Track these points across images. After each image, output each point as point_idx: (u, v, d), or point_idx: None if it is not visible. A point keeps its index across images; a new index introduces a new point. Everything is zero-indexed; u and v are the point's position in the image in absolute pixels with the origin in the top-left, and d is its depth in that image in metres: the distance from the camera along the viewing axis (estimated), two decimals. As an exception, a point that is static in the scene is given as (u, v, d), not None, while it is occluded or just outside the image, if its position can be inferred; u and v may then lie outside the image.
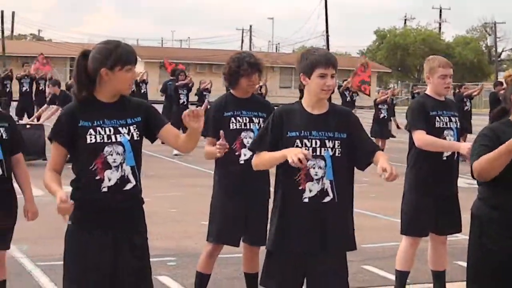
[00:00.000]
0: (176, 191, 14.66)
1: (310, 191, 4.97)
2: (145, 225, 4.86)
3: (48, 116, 18.89)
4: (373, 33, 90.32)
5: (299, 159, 4.65)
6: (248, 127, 6.49)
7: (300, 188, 4.97)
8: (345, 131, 5.04)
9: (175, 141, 4.75)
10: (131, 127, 4.65)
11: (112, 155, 4.57)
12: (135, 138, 4.67)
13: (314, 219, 4.99)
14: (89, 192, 4.57)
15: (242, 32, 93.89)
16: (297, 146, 4.92)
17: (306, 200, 4.97)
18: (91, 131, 4.54)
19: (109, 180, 4.57)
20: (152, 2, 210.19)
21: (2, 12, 62.51)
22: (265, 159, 5.01)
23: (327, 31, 63.49)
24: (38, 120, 20.00)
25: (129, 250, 4.66)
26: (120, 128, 4.62)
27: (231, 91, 6.65)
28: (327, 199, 4.99)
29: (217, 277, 7.97)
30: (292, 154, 4.70)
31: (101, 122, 4.58)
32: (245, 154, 6.40)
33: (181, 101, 24.79)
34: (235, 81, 6.51)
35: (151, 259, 8.61)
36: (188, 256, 9.00)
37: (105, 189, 4.57)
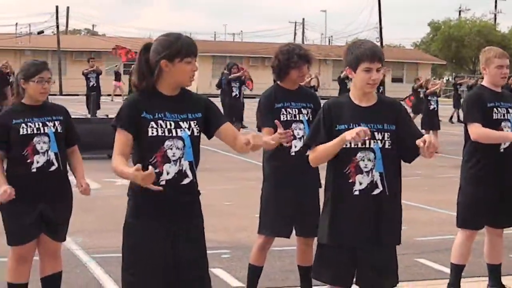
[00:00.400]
0: (230, 184, 14.73)
1: (360, 183, 4.99)
2: (202, 218, 4.88)
3: None
4: (427, 25, 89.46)
5: (357, 134, 4.69)
6: (298, 118, 6.52)
7: (350, 181, 4.99)
8: (394, 122, 5.06)
9: (233, 142, 4.77)
10: (192, 123, 4.69)
11: (172, 149, 4.60)
12: (195, 133, 4.71)
13: (365, 212, 5.01)
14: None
15: (295, 25, 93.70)
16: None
17: (357, 192, 4.99)
18: (153, 123, 4.59)
19: (168, 173, 4.62)
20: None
21: (57, 7, 63.25)
22: (321, 151, 5.01)
23: (380, 23, 63.09)
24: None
25: (186, 242, 4.70)
26: (181, 123, 4.65)
27: (279, 83, 6.67)
28: (376, 191, 5.01)
29: (271, 270, 8.02)
30: (350, 132, 4.75)
31: (163, 115, 4.62)
32: (295, 146, 6.44)
33: (233, 94, 25.62)
34: (284, 73, 6.54)
35: (205, 252, 8.89)
36: (242, 249, 9.05)
37: (163, 182, 4.60)
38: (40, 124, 5.94)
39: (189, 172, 4.69)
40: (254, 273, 6.85)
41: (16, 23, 67.96)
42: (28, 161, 5.95)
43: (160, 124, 4.60)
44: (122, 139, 4.62)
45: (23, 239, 6.04)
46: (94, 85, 29.62)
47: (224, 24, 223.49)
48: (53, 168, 5.99)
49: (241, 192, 13.79)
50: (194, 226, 4.80)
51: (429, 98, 22.49)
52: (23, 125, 5.96)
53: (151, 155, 4.59)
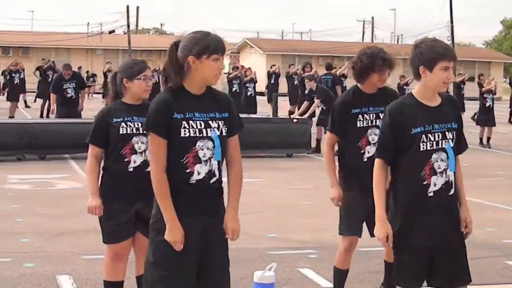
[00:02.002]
0: (308, 183, 14.68)
1: (435, 185, 4.96)
2: (224, 210, 4.85)
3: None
4: (499, 23, 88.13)
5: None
6: (374, 123, 6.48)
7: (425, 183, 4.95)
8: (457, 120, 5.08)
9: (227, 157, 4.80)
10: (220, 122, 4.70)
11: (203, 149, 4.62)
12: (223, 133, 4.71)
13: (440, 213, 4.98)
14: (178, 184, 4.62)
15: (363, 23, 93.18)
16: (422, 142, 4.91)
17: (431, 194, 4.96)
18: (184, 123, 4.59)
19: (199, 174, 4.64)
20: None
21: (128, 6, 63.90)
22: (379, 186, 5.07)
23: (451, 22, 62.32)
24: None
25: (214, 236, 4.73)
26: (210, 122, 4.66)
27: (358, 85, 6.63)
28: (451, 191, 5.00)
29: (360, 270, 8.00)
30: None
31: (192, 115, 4.62)
32: (369, 151, 6.42)
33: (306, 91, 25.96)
34: (366, 76, 6.50)
35: (290, 251, 8.92)
36: (328, 249, 9.01)
37: (193, 182, 4.63)
38: (139, 124, 5.99)
39: (217, 172, 4.70)
40: (340, 276, 6.81)
41: (88, 23, 68.92)
42: (126, 160, 6.01)
43: (191, 125, 4.60)
44: (156, 147, 4.61)
45: (119, 237, 6.11)
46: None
47: (293, 23, 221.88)
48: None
49: (320, 191, 13.73)
50: (219, 222, 4.78)
51: (485, 95, 23.32)
52: (123, 124, 6.03)
53: (182, 155, 4.60)
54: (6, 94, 30.21)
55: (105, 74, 35.20)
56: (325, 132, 21.50)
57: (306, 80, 20.74)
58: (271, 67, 33.20)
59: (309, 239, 9.74)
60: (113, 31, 61.75)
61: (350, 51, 66.58)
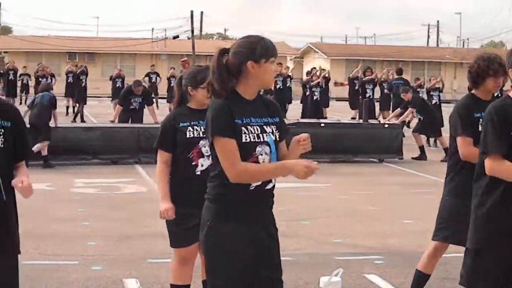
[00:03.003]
0: (372, 189, 14.60)
1: None
2: (274, 219, 4.80)
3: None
4: None
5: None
6: None
7: None
8: None
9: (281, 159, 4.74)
10: (273, 127, 4.67)
11: (262, 155, 4.57)
12: (277, 138, 4.67)
13: None
14: (237, 190, 4.56)
15: (428, 27, 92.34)
16: None
17: None
18: (244, 129, 4.54)
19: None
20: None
21: (192, 12, 64.38)
22: (507, 171, 4.85)
23: (519, 25, 61.34)
24: None
25: (268, 243, 4.67)
26: (265, 127, 4.62)
27: (473, 92, 6.51)
28: None
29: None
30: None
31: (249, 120, 4.58)
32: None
33: (367, 95, 28.03)
34: (481, 80, 6.38)
35: (356, 257, 8.87)
36: (395, 255, 8.96)
37: (252, 188, 4.58)
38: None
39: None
40: (420, 280, 6.71)
41: (152, 28, 69.75)
42: (193, 163, 6.03)
43: (250, 130, 4.55)
44: (230, 146, 4.49)
45: (186, 241, 6.12)
46: None
47: (357, 27, 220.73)
48: None
49: (385, 197, 13.68)
50: (274, 228, 4.75)
51: None
52: (190, 128, 6.05)
53: (244, 160, 4.52)
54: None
55: (168, 79, 35.52)
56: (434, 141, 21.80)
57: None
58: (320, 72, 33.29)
59: (375, 244, 9.65)
60: (177, 36, 62.18)
61: (415, 56, 66.28)
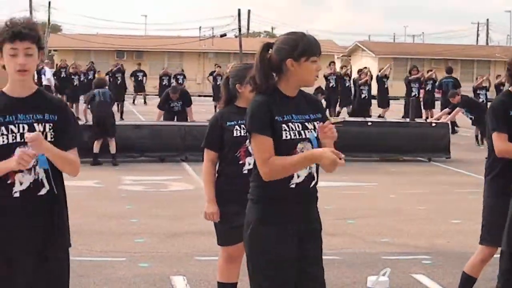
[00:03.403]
0: (420, 188, 14.50)
1: None
2: (319, 217, 4.77)
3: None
4: None
5: None
6: None
7: None
8: None
9: None
10: (315, 123, 4.62)
11: (303, 151, 4.53)
12: (316, 135, 4.62)
13: None
14: (277, 189, 4.55)
15: (478, 26, 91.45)
16: None
17: None
18: (285, 126, 4.51)
19: (298, 177, 4.56)
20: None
21: (239, 10, 64.42)
22: None
23: None
24: None
25: (311, 242, 4.66)
26: (307, 124, 4.59)
27: (510, 89, 6.44)
28: None
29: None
30: None
31: (290, 117, 4.55)
32: None
33: (412, 94, 28.33)
34: None
35: (403, 257, 8.82)
36: (443, 255, 8.89)
37: (292, 186, 4.55)
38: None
39: (315, 174, 4.62)
40: (466, 284, 6.64)
41: (200, 27, 69.49)
42: (240, 162, 6.04)
43: (291, 127, 4.52)
44: (265, 143, 4.48)
45: (233, 239, 6.12)
46: None
47: (405, 26, 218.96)
48: None
49: (432, 196, 13.57)
50: (318, 225, 4.72)
51: None
52: (237, 127, 6.06)
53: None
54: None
55: (214, 78, 35.65)
56: (481, 140, 21.66)
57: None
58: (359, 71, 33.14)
59: (423, 244, 9.59)
60: (225, 34, 62.28)
61: (464, 54, 65.55)
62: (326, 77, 29.87)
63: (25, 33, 4.23)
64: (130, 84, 38.45)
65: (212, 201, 6.09)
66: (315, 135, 4.58)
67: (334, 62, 33.06)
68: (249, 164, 6.00)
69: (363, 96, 29.30)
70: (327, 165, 4.35)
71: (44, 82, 31.22)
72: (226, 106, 6.27)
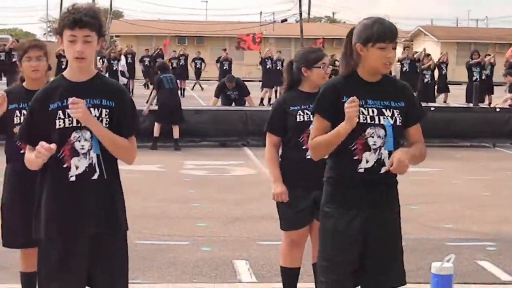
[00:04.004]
0: (484, 174, 14.33)
1: None
2: (398, 205, 4.71)
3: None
4: None
5: None
6: None
7: None
8: None
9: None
10: (395, 111, 4.55)
11: (373, 137, 4.49)
12: (398, 123, 4.55)
13: None
14: (345, 172, 4.56)
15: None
16: None
17: None
18: None
19: (367, 162, 4.52)
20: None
21: (300, -5, 64.23)
22: None
23: None
24: None
25: (380, 225, 4.59)
26: (384, 110, 4.53)
27: None
28: None
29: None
30: None
31: (364, 102, 4.50)
32: None
33: (474, 78, 28.48)
34: None
35: (468, 243, 8.71)
36: (508, 242, 8.77)
37: (361, 170, 4.52)
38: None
39: (385, 161, 4.53)
40: None
41: (261, 12, 69.82)
42: (304, 148, 5.97)
43: (362, 111, 4.47)
44: (318, 126, 4.58)
45: (297, 224, 6.10)
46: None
47: (468, 10, 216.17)
48: None
49: (497, 182, 13.39)
50: (389, 212, 4.66)
51: None
52: (300, 112, 6.01)
53: (352, 141, 4.49)
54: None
55: (221, 63, 36.07)
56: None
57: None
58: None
59: (487, 231, 9.47)
60: (286, 20, 62.29)
61: (529, 38, 64.53)
62: (400, 61, 29.62)
63: (85, 20, 4.25)
64: (190, 70, 38.78)
65: (279, 181, 6.06)
66: (391, 122, 4.53)
67: (408, 47, 32.79)
68: None
69: (425, 80, 29.00)
70: (348, 122, 4.38)
71: (120, 69, 31.77)
72: (289, 90, 6.24)
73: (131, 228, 4.67)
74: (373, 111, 4.52)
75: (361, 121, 4.48)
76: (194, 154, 16.42)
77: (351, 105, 4.35)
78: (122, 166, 4.48)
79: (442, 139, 18.02)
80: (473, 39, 62.26)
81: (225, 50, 38.92)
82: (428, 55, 30.63)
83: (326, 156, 4.67)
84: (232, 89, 19.18)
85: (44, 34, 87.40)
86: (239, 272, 7.56)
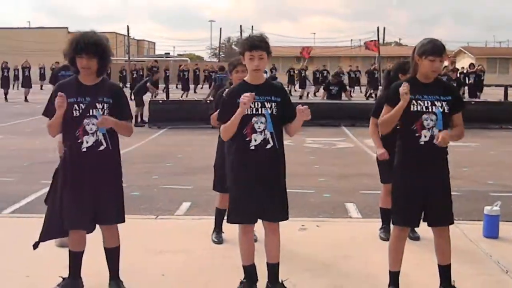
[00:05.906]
0: (512, 147, 13.70)
1: None
2: (447, 166, 4.49)
3: None
4: None
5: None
6: None
7: None
8: None
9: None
10: (443, 103, 4.41)
11: (427, 120, 4.37)
12: (445, 111, 4.41)
13: None
14: (408, 142, 4.41)
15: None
16: None
17: None
18: (414, 101, 4.38)
19: (425, 137, 4.38)
20: None
21: (378, 28, 62.79)
22: None
23: None
24: None
25: (438, 188, 4.42)
26: (435, 102, 4.40)
27: None
28: None
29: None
30: None
31: (421, 96, 4.39)
32: None
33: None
34: None
35: (507, 193, 8.33)
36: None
37: (422, 143, 4.37)
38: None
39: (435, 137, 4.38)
40: None
41: (351, 40, 68.51)
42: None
43: (419, 103, 4.38)
44: (385, 111, 4.47)
45: (390, 179, 5.92)
46: None
47: (494, 35, 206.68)
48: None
49: (522, 153, 12.79)
50: (444, 175, 4.47)
51: None
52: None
53: (412, 124, 4.38)
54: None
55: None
56: None
57: None
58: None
59: (520, 185, 9.05)
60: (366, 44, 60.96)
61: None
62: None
63: (258, 45, 4.32)
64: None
65: (381, 146, 5.90)
66: (441, 110, 4.40)
67: (473, 64, 31.38)
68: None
69: (469, 81, 27.91)
70: (402, 99, 4.30)
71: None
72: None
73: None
74: (427, 103, 4.41)
75: (419, 109, 4.39)
76: (311, 133, 16.26)
77: (403, 88, 4.31)
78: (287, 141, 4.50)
79: (481, 123, 17.25)
80: (499, 55, 59.67)
81: (324, 65, 37.81)
82: (457, 69, 29.44)
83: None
84: (334, 84, 19.02)
85: (209, 57, 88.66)
86: (349, 211, 7.47)
